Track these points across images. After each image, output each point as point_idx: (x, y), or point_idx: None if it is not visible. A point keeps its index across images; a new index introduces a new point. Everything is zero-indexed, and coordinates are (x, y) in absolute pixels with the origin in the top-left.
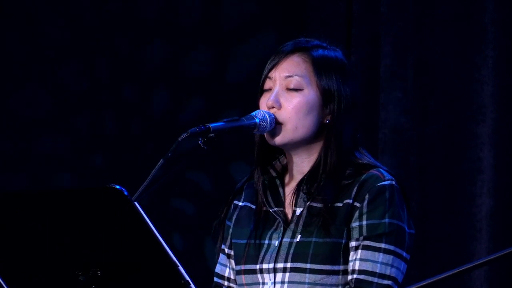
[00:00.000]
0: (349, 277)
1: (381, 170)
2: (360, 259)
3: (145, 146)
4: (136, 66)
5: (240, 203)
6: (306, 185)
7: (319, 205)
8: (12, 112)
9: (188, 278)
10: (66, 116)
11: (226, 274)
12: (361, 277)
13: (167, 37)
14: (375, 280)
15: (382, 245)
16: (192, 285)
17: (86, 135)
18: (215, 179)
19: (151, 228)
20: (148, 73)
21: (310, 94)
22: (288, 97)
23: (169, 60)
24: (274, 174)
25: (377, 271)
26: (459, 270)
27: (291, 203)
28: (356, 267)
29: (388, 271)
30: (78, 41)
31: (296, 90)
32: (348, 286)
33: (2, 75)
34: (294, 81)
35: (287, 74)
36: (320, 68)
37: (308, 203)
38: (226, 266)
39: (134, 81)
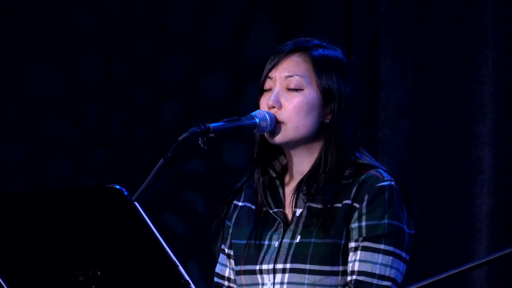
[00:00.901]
0: (349, 278)
1: (380, 170)
2: (360, 260)
3: (150, 150)
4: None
5: (240, 203)
6: (306, 185)
7: (318, 205)
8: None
9: (188, 278)
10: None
11: (226, 274)
12: (361, 278)
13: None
14: (375, 281)
15: (382, 246)
16: (192, 285)
17: (91, 128)
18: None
19: (151, 228)
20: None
21: (310, 94)
22: (288, 97)
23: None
24: (273, 174)
25: (377, 272)
26: (459, 270)
27: (291, 204)
28: (356, 268)
29: (387, 272)
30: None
31: (296, 90)
32: (348, 287)
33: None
34: (294, 81)
35: (287, 74)
36: (321, 68)
37: (307, 204)
38: (226, 266)
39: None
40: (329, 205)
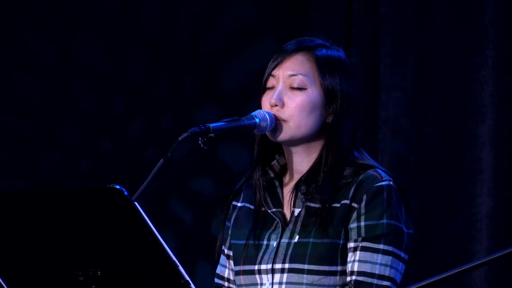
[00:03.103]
0: (348, 278)
1: (379, 170)
2: (359, 261)
3: (150, 149)
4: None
5: (239, 204)
6: (305, 185)
7: (317, 205)
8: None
9: (188, 278)
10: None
11: (226, 275)
12: (360, 278)
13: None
14: (374, 281)
15: (381, 246)
16: (192, 285)
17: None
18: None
19: (151, 228)
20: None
21: (313, 93)
22: (291, 95)
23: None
24: (272, 175)
25: (376, 272)
26: (459, 270)
27: (290, 204)
28: (355, 269)
29: (387, 272)
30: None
31: (299, 89)
32: (347, 287)
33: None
34: (297, 80)
35: (291, 73)
36: (324, 68)
37: (306, 203)
38: (225, 267)
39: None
40: (327, 205)
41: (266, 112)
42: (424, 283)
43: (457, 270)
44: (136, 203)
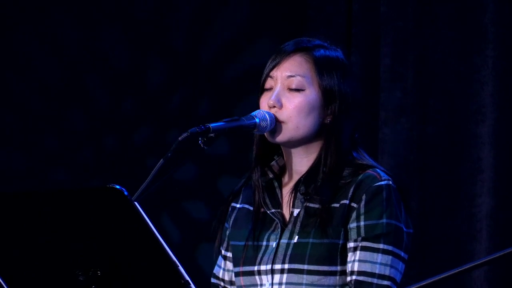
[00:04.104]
0: (348, 278)
1: (378, 170)
2: (359, 260)
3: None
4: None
5: (238, 205)
6: (304, 185)
7: (316, 205)
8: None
9: (188, 278)
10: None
11: (221, 275)
12: (361, 278)
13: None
14: (375, 281)
15: (381, 246)
16: (192, 285)
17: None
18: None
19: (151, 228)
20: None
21: (311, 94)
22: (289, 96)
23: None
24: (271, 175)
25: (376, 271)
26: (459, 270)
27: (289, 204)
28: (355, 268)
29: (387, 271)
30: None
31: (297, 90)
32: (348, 287)
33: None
34: (296, 81)
35: (289, 74)
36: (322, 69)
37: (305, 204)
38: (222, 267)
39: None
40: (326, 205)
41: (266, 112)
42: (424, 283)
43: (457, 270)
44: (136, 203)
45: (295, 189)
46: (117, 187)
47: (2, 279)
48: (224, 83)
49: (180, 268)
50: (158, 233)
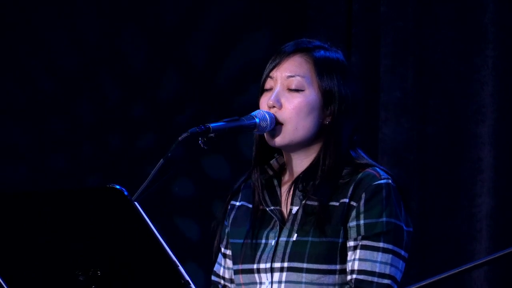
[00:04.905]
0: (349, 277)
1: (377, 169)
2: (359, 259)
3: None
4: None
5: (237, 203)
6: (302, 183)
7: (314, 203)
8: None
9: (188, 278)
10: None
11: (221, 273)
12: (361, 277)
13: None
14: (375, 279)
15: (381, 244)
16: (192, 285)
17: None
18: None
19: (151, 228)
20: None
21: (311, 95)
22: (289, 97)
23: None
24: (271, 172)
25: (377, 270)
26: (459, 270)
27: (287, 202)
28: (356, 267)
29: (387, 270)
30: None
31: (297, 90)
32: (348, 286)
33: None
34: (295, 82)
35: (288, 74)
36: (322, 69)
37: (304, 202)
38: (222, 265)
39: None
40: (325, 204)
41: (266, 112)
42: (424, 283)
43: (457, 270)
44: (136, 203)
45: (294, 186)
46: (117, 187)
47: (2, 279)
48: (223, 84)
49: (180, 268)
50: (158, 233)
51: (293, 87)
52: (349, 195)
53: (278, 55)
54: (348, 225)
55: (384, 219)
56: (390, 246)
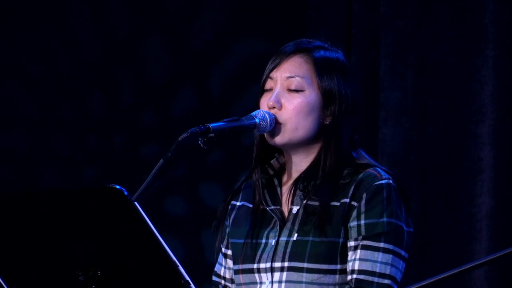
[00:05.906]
0: (349, 277)
1: (378, 169)
2: (360, 259)
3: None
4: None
5: (238, 203)
6: (303, 183)
7: (315, 203)
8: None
9: (188, 278)
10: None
11: (222, 273)
12: (361, 277)
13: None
14: (375, 279)
15: (381, 245)
16: (192, 285)
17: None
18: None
19: (151, 228)
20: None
21: (311, 95)
22: (289, 97)
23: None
24: (271, 172)
25: (377, 270)
26: (459, 270)
27: (288, 201)
28: (356, 267)
29: (388, 270)
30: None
31: (297, 91)
32: (348, 286)
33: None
34: (295, 82)
35: (288, 75)
36: (322, 70)
37: (304, 202)
38: (223, 265)
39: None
40: (326, 204)
41: (266, 112)
42: (424, 283)
43: (457, 270)
44: (136, 203)
45: (294, 186)
46: (117, 187)
47: (2, 279)
48: (223, 84)
49: (180, 268)
50: (158, 233)
51: (293, 87)
52: (350, 195)
53: (278, 55)
54: (348, 225)
55: (385, 219)
56: (390, 247)
